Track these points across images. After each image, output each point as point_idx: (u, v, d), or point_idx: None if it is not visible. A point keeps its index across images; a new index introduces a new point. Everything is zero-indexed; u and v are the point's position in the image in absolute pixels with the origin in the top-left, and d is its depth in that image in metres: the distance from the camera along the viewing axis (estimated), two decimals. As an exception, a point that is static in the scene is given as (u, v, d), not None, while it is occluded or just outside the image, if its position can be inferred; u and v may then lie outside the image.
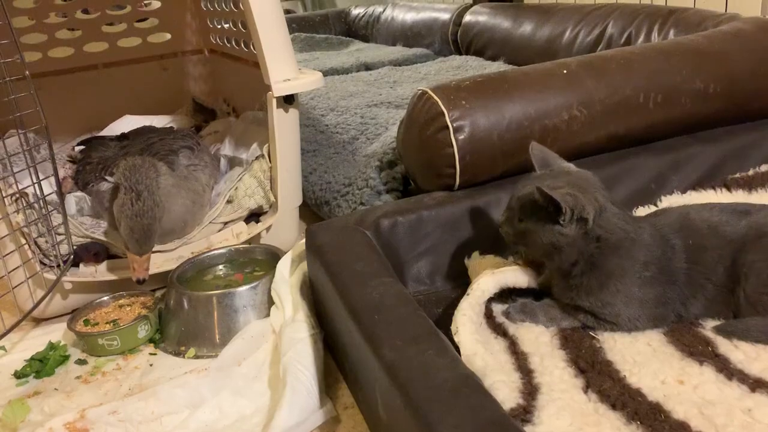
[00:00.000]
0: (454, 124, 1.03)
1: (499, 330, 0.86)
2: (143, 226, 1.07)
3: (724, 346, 0.77)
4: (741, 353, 0.75)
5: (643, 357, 0.76)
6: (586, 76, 1.11)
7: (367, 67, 2.47)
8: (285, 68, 1.20)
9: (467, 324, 0.82)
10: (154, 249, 1.21)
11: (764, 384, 0.70)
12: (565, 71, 1.11)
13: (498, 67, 2.12)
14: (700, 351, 0.76)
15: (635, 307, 0.80)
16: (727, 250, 0.81)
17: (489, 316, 0.89)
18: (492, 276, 0.88)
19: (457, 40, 2.57)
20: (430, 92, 1.07)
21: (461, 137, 1.04)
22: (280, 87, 1.18)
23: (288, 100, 1.21)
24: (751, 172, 1.13)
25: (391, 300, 0.79)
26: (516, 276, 0.89)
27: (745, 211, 0.84)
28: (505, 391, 0.70)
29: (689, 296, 0.81)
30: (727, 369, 0.73)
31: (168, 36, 1.93)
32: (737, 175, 1.13)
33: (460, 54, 2.53)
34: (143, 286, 1.14)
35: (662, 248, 0.81)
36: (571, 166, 0.88)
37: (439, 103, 1.05)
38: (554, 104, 1.07)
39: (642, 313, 0.80)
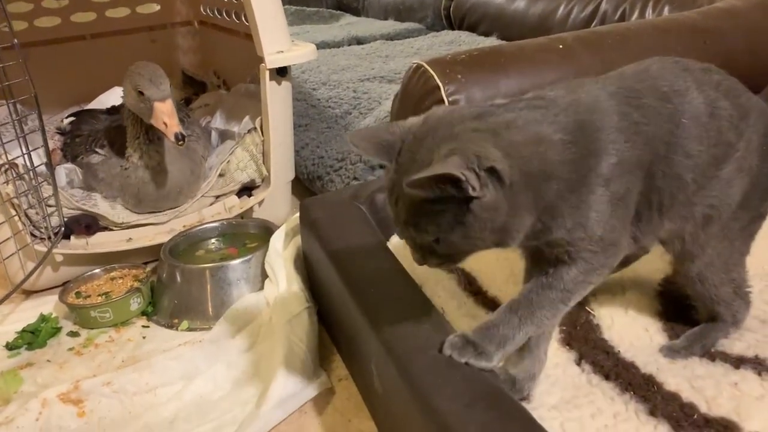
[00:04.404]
0: (450, 99, 1.03)
1: (490, 306, 0.86)
2: (149, 68, 1.08)
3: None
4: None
5: (641, 341, 0.77)
6: (582, 52, 1.11)
7: (359, 41, 2.44)
8: (278, 40, 1.18)
9: (449, 301, 0.82)
10: (145, 222, 1.21)
11: (747, 360, 0.71)
12: (560, 46, 1.11)
13: (491, 42, 2.11)
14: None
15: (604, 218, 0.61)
16: None
17: (477, 292, 0.90)
18: None
19: (449, 14, 2.54)
20: (426, 66, 1.07)
21: (456, 112, 1.03)
22: (273, 59, 1.16)
23: (281, 73, 1.20)
24: None
25: (386, 274, 0.79)
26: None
27: None
28: (500, 365, 0.71)
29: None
30: (708, 353, 0.74)
31: (157, 7, 1.89)
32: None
33: (453, 29, 2.51)
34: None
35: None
36: (412, 119, 0.61)
37: (435, 77, 1.04)
38: (550, 79, 1.07)
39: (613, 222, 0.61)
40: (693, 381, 0.68)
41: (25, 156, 1.08)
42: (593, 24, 1.80)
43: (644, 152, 0.61)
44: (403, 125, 0.61)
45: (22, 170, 1.10)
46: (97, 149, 1.24)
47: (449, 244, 0.58)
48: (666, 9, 1.57)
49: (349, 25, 2.86)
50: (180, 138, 1.05)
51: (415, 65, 1.09)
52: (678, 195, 0.64)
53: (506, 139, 0.56)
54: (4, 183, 1.10)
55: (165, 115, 1.06)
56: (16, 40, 1.03)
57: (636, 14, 1.65)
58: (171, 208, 1.23)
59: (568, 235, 0.60)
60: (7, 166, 1.10)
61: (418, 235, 0.59)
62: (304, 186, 1.46)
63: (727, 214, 0.68)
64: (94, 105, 1.64)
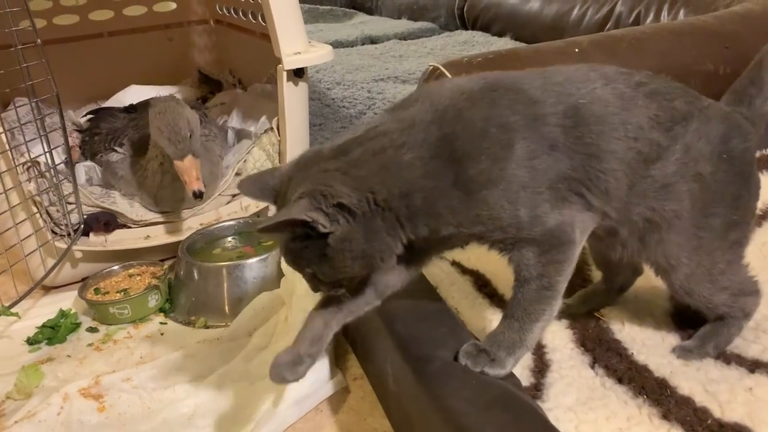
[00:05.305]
0: (466, 102, 1.03)
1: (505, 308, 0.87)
2: (168, 122, 1.07)
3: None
4: (739, 338, 0.76)
5: (652, 341, 0.77)
6: (598, 56, 1.11)
7: (373, 41, 2.45)
8: (296, 41, 1.19)
9: (462, 302, 0.83)
10: (164, 220, 1.23)
11: (762, 365, 0.71)
12: (576, 50, 1.11)
13: (505, 43, 2.11)
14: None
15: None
16: None
17: (493, 295, 0.90)
18: None
19: (463, 14, 2.55)
20: (442, 68, 1.07)
21: (472, 115, 1.04)
22: (290, 60, 1.17)
23: (298, 74, 1.21)
24: (757, 155, 1.14)
25: (403, 275, 0.80)
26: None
27: None
28: (517, 370, 0.71)
29: None
30: (723, 355, 0.74)
31: (173, 5, 1.90)
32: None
33: (466, 29, 2.52)
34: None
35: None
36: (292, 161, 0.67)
37: (451, 79, 1.05)
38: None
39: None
40: (707, 385, 0.69)
41: (47, 154, 1.09)
42: (608, 26, 1.80)
43: (532, 143, 0.61)
44: (284, 168, 0.66)
45: (43, 168, 1.12)
46: (116, 147, 1.26)
47: (325, 274, 0.63)
48: (681, 12, 1.57)
49: (362, 23, 2.87)
50: (197, 195, 1.07)
51: (431, 67, 1.10)
52: (610, 183, 0.63)
53: (353, 175, 0.60)
54: (27, 180, 1.12)
55: (184, 173, 1.08)
56: (39, 40, 1.05)
57: (651, 17, 1.65)
58: (188, 208, 1.25)
59: (465, 229, 0.62)
60: (29, 163, 1.12)
61: (298, 269, 0.64)
62: (318, 185, 1.47)
63: (683, 222, 0.67)
64: (111, 103, 1.66)
